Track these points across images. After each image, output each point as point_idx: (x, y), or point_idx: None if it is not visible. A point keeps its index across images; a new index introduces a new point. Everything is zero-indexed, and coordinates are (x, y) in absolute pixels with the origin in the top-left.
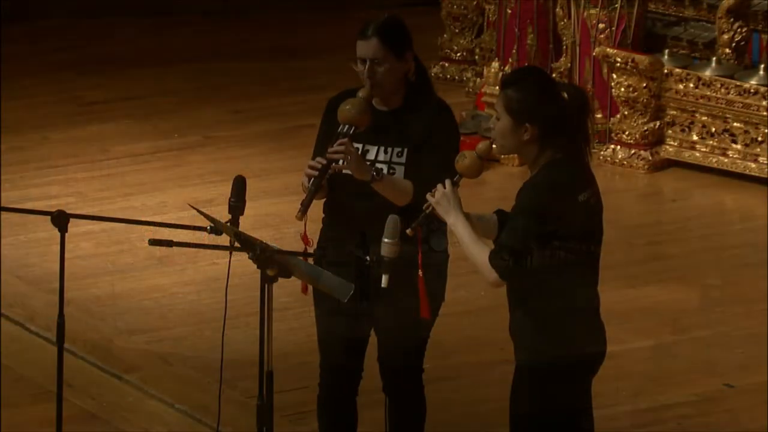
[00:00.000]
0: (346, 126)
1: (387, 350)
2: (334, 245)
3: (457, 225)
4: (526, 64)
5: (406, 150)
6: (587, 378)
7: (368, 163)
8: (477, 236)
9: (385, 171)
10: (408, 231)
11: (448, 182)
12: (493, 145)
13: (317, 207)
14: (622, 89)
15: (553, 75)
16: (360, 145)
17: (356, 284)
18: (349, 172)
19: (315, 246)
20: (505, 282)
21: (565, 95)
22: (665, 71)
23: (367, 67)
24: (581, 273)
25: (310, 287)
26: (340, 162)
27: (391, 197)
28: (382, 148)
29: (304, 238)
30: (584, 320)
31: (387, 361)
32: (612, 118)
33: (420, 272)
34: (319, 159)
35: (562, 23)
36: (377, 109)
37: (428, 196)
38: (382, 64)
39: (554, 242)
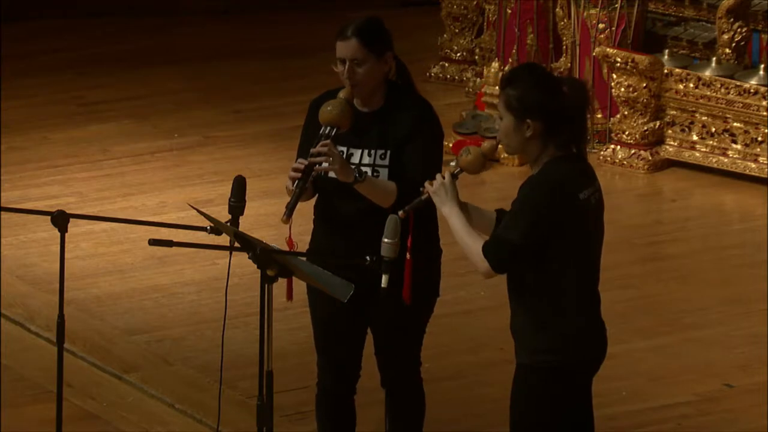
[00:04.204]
0: (328, 127)
1: (384, 343)
2: (325, 248)
3: (451, 215)
4: None
5: (389, 152)
6: (588, 378)
7: (353, 166)
8: (471, 227)
9: (370, 174)
10: (400, 213)
11: (447, 173)
12: (500, 145)
13: (307, 208)
14: (622, 89)
15: None
16: (344, 149)
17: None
18: (332, 174)
19: (307, 247)
20: (497, 274)
21: (565, 89)
22: (665, 71)
23: (346, 67)
24: (582, 272)
25: (295, 293)
26: (323, 164)
27: (374, 198)
28: (366, 151)
29: (289, 242)
30: (585, 320)
31: (384, 354)
32: (612, 118)
33: (408, 255)
34: (301, 160)
35: (562, 23)
36: (359, 110)
37: (426, 184)
38: (362, 65)
39: (554, 241)
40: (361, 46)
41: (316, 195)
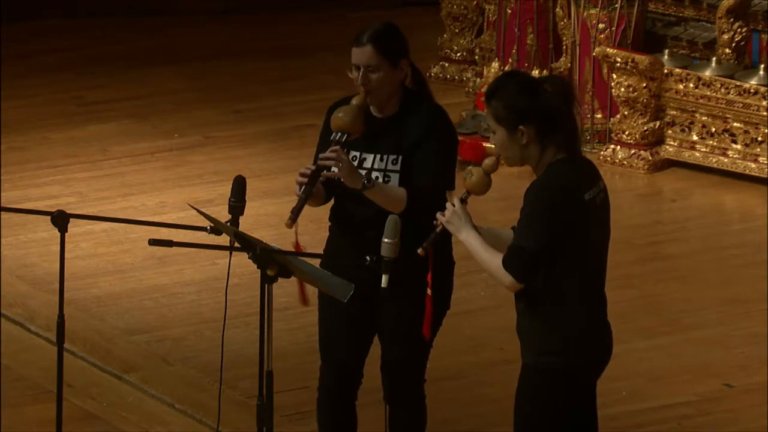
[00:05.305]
0: (339, 133)
1: (390, 360)
2: (339, 252)
3: (469, 239)
4: (526, 64)
5: (401, 158)
6: (592, 380)
7: (364, 171)
8: (488, 246)
9: (380, 179)
10: (419, 251)
11: (456, 200)
12: (500, 161)
13: (315, 212)
14: (622, 89)
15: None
16: (357, 153)
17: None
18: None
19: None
20: (521, 285)
21: (547, 87)
22: (665, 71)
23: (361, 74)
24: (587, 273)
25: (310, 297)
26: (332, 169)
27: (383, 205)
28: (378, 156)
29: (296, 246)
30: (589, 322)
31: (389, 370)
32: (612, 118)
33: (429, 291)
34: (308, 166)
35: (562, 23)
36: (373, 115)
37: (438, 215)
38: (376, 72)
39: (562, 243)
40: (376, 53)
41: (332, 200)
